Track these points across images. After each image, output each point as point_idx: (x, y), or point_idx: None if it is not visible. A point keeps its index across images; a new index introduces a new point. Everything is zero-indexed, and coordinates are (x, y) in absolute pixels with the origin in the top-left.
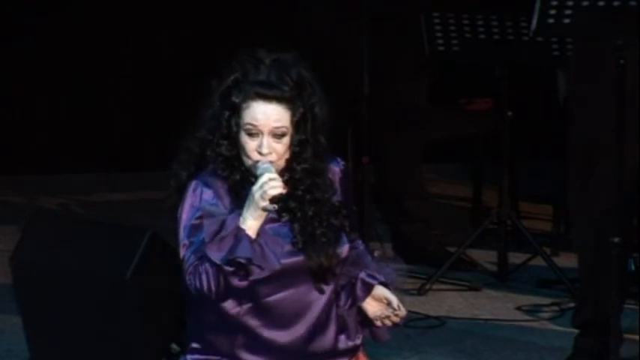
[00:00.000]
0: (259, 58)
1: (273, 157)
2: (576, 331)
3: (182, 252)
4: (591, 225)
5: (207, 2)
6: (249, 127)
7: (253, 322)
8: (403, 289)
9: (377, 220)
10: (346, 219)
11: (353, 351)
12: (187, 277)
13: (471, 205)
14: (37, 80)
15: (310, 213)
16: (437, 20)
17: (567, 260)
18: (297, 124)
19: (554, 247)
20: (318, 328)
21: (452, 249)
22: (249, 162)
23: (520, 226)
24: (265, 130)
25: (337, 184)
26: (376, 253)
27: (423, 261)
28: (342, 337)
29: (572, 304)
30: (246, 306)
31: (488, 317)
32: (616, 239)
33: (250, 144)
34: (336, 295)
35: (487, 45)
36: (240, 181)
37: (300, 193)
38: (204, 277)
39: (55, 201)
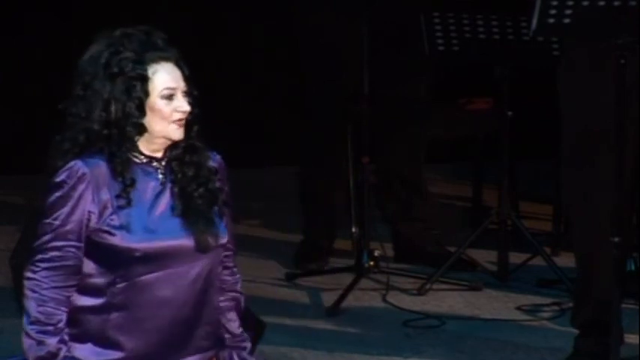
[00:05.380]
0: (130, 33)
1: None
2: (576, 331)
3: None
4: (590, 225)
5: (206, 1)
6: (166, 91)
7: (126, 302)
8: (403, 288)
9: (377, 220)
10: (225, 205)
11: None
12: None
13: (471, 205)
14: (37, 80)
15: (190, 173)
16: (437, 20)
17: (567, 260)
18: (188, 80)
19: (554, 247)
20: (193, 311)
21: (452, 249)
22: (164, 125)
23: (520, 226)
24: (179, 90)
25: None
26: (376, 253)
27: (423, 261)
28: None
29: (572, 304)
30: (120, 285)
31: (488, 317)
32: (616, 239)
33: (167, 108)
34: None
35: (487, 45)
36: (126, 160)
37: (180, 151)
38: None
39: None
